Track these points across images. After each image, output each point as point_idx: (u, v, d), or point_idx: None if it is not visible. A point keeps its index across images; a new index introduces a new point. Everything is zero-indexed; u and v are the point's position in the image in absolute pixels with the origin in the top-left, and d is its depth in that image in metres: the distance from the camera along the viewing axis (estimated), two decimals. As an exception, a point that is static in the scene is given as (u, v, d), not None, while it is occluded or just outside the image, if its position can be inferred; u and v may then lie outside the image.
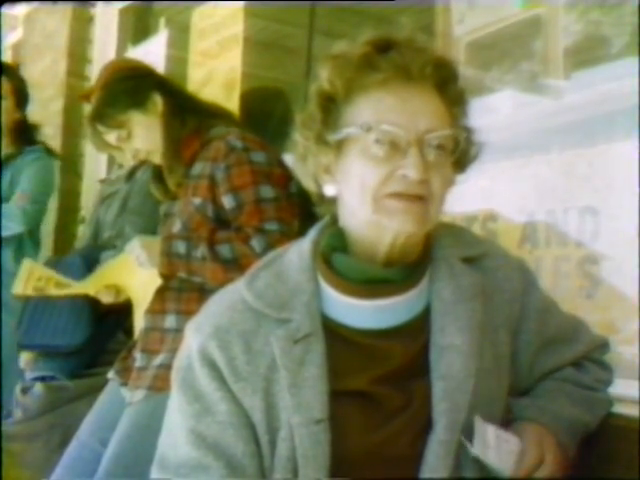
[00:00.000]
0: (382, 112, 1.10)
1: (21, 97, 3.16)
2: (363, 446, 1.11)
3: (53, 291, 2.27)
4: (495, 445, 1.13)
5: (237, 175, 1.86)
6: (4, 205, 3.00)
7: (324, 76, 1.15)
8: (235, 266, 1.79)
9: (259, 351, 1.13)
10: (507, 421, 1.20)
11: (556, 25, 1.79)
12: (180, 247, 1.86)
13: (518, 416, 1.21)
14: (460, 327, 1.15)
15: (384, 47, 1.13)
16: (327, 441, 1.09)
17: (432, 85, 1.13)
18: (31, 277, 2.26)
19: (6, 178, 3.05)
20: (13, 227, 3.03)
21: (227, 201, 1.87)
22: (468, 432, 1.12)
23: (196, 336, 1.16)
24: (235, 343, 1.13)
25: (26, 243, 3.10)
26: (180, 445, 1.13)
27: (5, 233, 3.03)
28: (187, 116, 2.02)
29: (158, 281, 1.94)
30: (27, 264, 2.32)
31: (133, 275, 2.08)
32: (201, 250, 1.83)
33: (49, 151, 3.23)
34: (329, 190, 1.18)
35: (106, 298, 2.21)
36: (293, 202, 1.90)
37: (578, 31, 1.74)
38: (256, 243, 1.80)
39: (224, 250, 1.82)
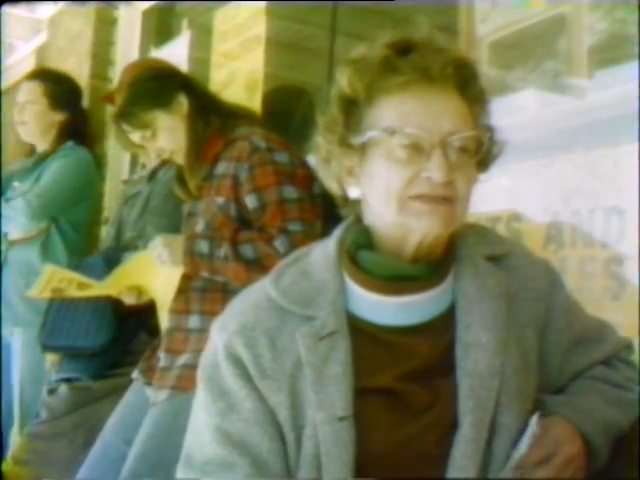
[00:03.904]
0: (405, 115, 1.10)
1: (57, 99, 3.16)
2: (388, 444, 1.10)
3: (74, 292, 2.28)
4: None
5: (260, 175, 1.87)
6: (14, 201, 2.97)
7: (345, 80, 1.15)
8: (258, 266, 1.79)
9: (284, 348, 1.13)
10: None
11: (580, 24, 1.78)
12: (203, 247, 1.86)
13: (551, 412, 1.18)
14: (485, 325, 1.14)
15: (404, 49, 1.13)
16: (351, 439, 1.09)
17: (453, 86, 1.13)
18: (51, 281, 2.26)
19: (33, 176, 3.04)
20: (20, 221, 2.98)
21: (250, 201, 1.87)
22: (494, 430, 1.11)
23: (222, 334, 1.16)
24: (260, 340, 1.13)
25: (54, 241, 3.09)
26: (206, 443, 1.13)
27: (13, 227, 2.99)
28: (211, 116, 2.03)
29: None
30: (48, 269, 2.31)
31: (155, 275, 2.08)
32: (224, 250, 1.83)
33: (79, 147, 3.16)
34: (353, 192, 1.19)
35: (129, 299, 2.22)
36: (316, 203, 1.90)
37: (602, 30, 1.73)
38: (279, 243, 1.80)
39: (247, 250, 1.82)
